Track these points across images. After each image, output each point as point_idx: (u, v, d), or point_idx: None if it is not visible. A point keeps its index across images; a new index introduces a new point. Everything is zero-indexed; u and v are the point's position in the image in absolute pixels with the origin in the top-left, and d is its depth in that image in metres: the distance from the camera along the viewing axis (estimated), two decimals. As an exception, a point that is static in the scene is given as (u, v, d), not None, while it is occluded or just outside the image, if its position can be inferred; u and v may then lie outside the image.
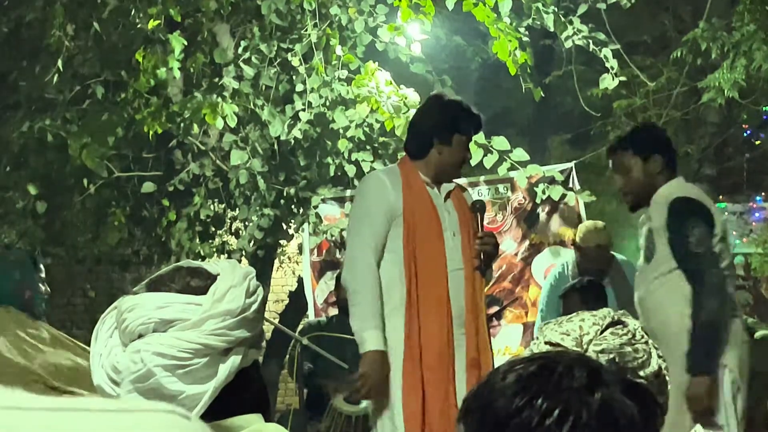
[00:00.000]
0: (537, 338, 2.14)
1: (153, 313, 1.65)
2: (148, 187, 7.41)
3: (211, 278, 1.71)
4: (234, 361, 1.68)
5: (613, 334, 2.05)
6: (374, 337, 4.10)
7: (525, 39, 7.01)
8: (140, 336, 1.66)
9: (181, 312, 1.65)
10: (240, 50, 7.17)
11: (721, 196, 12.99)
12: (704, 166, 11.46)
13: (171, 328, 1.65)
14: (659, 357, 2.11)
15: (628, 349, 2.03)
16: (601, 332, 2.05)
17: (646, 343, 2.08)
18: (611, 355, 2.02)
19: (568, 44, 7.06)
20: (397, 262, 4.20)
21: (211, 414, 1.66)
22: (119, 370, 1.67)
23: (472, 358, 4.15)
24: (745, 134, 13.34)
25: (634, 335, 2.06)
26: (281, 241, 8.39)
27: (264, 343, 1.79)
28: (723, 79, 8.21)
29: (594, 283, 5.77)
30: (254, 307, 1.71)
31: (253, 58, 7.07)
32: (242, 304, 1.68)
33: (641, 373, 2.02)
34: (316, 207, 7.41)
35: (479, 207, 4.39)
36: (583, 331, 2.05)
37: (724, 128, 11.58)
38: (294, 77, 7.13)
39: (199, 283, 1.70)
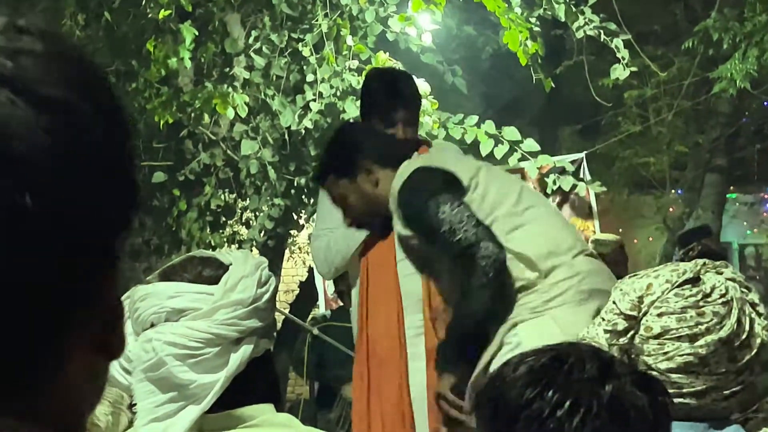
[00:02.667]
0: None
1: (165, 303, 1.66)
2: (158, 176, 7.42)
3: (224, 268, 1.71)
4: (245, 350, 1.68)
5: (678, 295, 1.87)
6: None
7: (536, 29, 6.99)
8: (152, 325, 1.67)
9: (193, 301, 1.66)
10: (251, 40, 7.17)
11: (732, 187, 12.97)
12: (715, 157, 11.42)
13: (183, 318, 1.66)
14: (758, 314, 1.92)
15: (692, 313, 1.85)
16: (669, 291, 1.88)
17: (726, 303, 1.88)
18: (669, 320, 1.88)
19: (579, 34, 7.04)
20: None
21: (222, 403, 1.67)
22: (131, 359, 1.68)
23: (431, 348, 3.73)
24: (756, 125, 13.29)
25: (708, 295, 1.87)
26: (292, 232, 8.40)
27: (275, 334, 1.80)
28: (734, 70, 8.19)
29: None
30: (266, 297, 1.71)
31: (263, 48, 7.07)
32: (254, 294, 1.68)
33: (701, 341, 1.86)
34: (326, 197, 7.40)
35: None
36: (650, 291, 1.88)
37: (735, 119, 11.54)
38: (305, 67, 7.12)
39: (211, 272, 1.71)
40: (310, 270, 8.68)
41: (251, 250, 7.13)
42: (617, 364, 1.38)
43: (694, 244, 5.84)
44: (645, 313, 1.89)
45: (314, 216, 7.51)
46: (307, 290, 8.64)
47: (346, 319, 6.30)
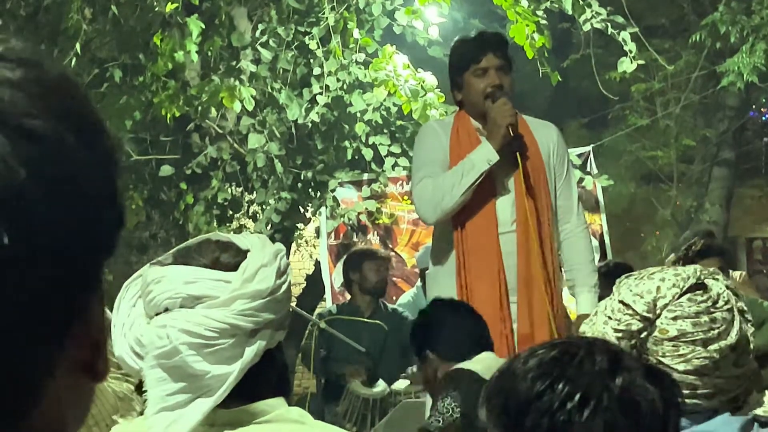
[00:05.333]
0: (614, 294, 2.00)
1: (181, 288, 1.61)
2: (165, 170, 7.42)
3: (241, 254, 1.67)
4: (260, 342, 1.64)
5: (691, 300, 1.88)
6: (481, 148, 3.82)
7: (543, 22, 6.97)
8: (166, 309, 1.62)
9: (210, 289, 1.61)
10: (257, 33, 7.17)
11: (739, 180, 12.94)
12: (722, 150, 11.40)
13: (199, 305, 1.61)
14: (746, 321, 1.97)
15: (705, 318, 1.88)
16: (679, 296, 1.90)
17: (730, 310, 1.93)
18: (684, 324, 1.89)
19: (587, 27, 7.03)
20: (448, 221, 3.90)
21: (234, 395, 1.63)
22: (143, 344, 1.63)
23: (523, 335, 3.74)
24: (763, 118, 13.26)
25: (715, 302, 1.90)
26: (298, 225, 8.39)
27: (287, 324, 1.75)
28: (742, 63, 8.17)
29: (621, 266, 5.82)
30: (284, 287, 1.67)
31: (270, 42, 7.06)
32: (272, 285, 1.64)
33: (714, 346, 1.89)
34: (333, 190, 7.40)
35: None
36: (660, 293, 1.89)
37: (742, 112, 11.51)
38: (311, 60, 7.12)
39: (229, 259, 1.66)
40: (317, 264, 8.69)
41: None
42: (627, 357, 1.38)
43: (695, 239, 5.82)
44: (658, 316, 1.89)
45: (320, 210, 7.54)
46: (314, 284, 8.64)
47: (353, 313, 6.31)
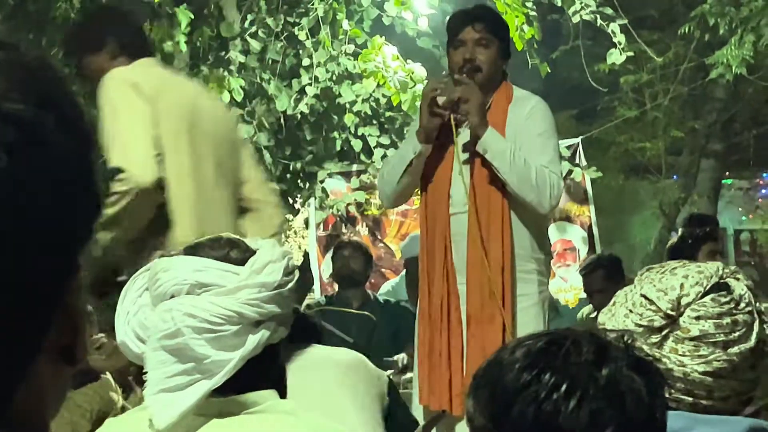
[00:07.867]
0: (635, 286, 1.97)
1: (189, 275, 1.66)
2: (154, 160, 7.40)
3: (251, 252, 1.72)
4: (263, 334, 1.68)
5: (715, 301, 1.87)
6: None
7: (532, 14, 6.98)
8: (172, 297, 1.67)
9: (218, 278, 1.67)
10: (246, 24, 7.16)
11: (727, 172, 12.97)
12: (711, 142, 11.43)
13: (206, 292, 1.66)
14: (765, 323, 1.96)
15: (727, 320, 1.86)
16: (702, 295, 1.89)
17: (750, 312, 1.91)
18: (706, 324, 1.88)
19: (576, 19, 7.03)
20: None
21: (233, 386, 1.67)
22: (147, 327, 1.68)
23: (470, 316, 3.65)
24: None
25: (737, 304, 1.89)
26: (287, 216, 8.40)
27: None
28: (731, 55, 8.17)
29: (614, 258, 5.86)
30: (290, 285, 1.72)
31: (259, 32, 7.06)
32: (279, 280, 1.69)
33: (734, 349, 1.88)
34: (322, 181, 7.40)
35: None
36: (684, 291, 1.88)
37: (731, 104, 11.54)
38: (301, 51, 7.11)
39: (239, 255, 1.72)
40: (306, 255, 8.69)
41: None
42: (613, 348, 1.39)
43: (700, 229, 5.83)
44: (681, 314, 1.88)
45: (309, 201, 7.54)
46: (303, 275, 8.64)
47: (342, 304, 6.31)
